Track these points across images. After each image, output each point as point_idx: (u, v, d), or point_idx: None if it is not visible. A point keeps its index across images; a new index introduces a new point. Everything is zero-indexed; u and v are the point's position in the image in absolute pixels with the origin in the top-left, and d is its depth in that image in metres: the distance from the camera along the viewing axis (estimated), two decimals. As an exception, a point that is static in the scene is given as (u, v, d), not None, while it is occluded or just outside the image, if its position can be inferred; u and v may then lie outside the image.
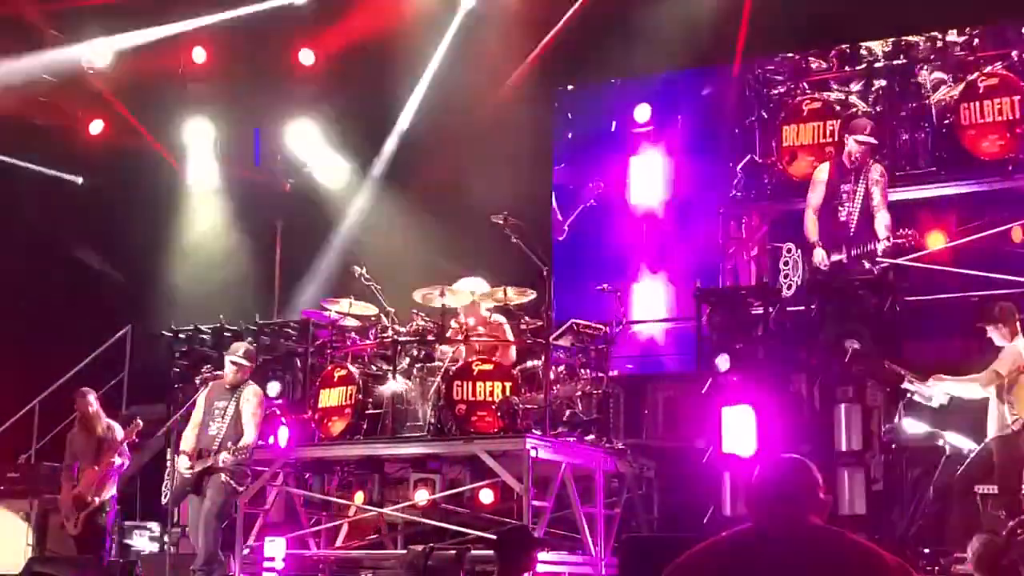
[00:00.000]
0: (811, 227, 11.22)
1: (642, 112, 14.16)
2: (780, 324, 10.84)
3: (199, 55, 15.41)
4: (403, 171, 15.18)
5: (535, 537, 8.15)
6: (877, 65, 12.62)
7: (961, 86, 12.08)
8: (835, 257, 11.02)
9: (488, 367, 10.33)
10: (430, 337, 10.74)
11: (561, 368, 10.82)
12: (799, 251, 11.17)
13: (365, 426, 10.58)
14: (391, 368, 10.61)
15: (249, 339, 11.50)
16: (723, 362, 10.48)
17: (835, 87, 12.86)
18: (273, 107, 15.64)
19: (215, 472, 9.66)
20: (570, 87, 14.88)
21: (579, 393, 10.72)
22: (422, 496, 10.73)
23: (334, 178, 15.77)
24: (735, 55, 13.16)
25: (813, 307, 10.77)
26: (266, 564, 10.56)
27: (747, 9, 12.94)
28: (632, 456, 11.00)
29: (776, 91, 13.07)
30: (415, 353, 10.75)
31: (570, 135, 14.73)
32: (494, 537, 7.76)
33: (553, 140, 14.74)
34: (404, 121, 15.31)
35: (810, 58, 13.00)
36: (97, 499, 10.88)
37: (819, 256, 11.03)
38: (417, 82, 15.10)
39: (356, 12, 14.62)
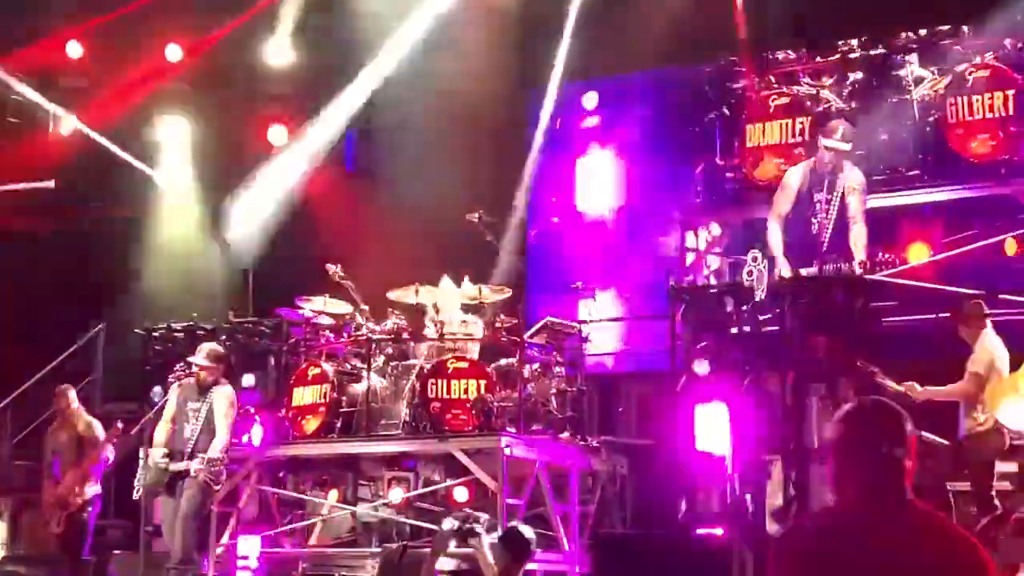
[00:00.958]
0: (775, 239, 9.96)
1: (589, 99, 13.42)
2: (753, 322, 10.82)
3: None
4: (378, 167, 15.16)
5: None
6: (852, 56, 11.31)
7: (947, 79, 10.70)
8: (804, 271, 9.70)
9: (463, 365, 10.35)
10: (405, 335, 10.74)
11: (536, 366, 10.85)
12: (765, 260, 9.71)
13: (339, 424, 10.59)
14: (366, 366, 10.62)
15: (223, 336, 11.47)
16: (701, 367, 10.49)
17: (805, 80, 11.54)
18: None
19: (189, 475, 9.64)
20: (534, 88, 14.43)
21: (553, 391, 10.75)
22: (396, 494, 10.74)
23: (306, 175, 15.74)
24: (700, 55, 12.31)
25: (785, 306, 10.65)
26: (240, 563, 10.53)
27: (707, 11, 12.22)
28: (606, 453, 11.04)
29: (738, 84, 11.76)
30: (390, 351, 10.76)
31: (537, 136, 14.41)
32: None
33: (525, 140, 14.51)
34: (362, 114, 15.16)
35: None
36: (79, 498, 10.84)
37: (784, 272, 9.76)
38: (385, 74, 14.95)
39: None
